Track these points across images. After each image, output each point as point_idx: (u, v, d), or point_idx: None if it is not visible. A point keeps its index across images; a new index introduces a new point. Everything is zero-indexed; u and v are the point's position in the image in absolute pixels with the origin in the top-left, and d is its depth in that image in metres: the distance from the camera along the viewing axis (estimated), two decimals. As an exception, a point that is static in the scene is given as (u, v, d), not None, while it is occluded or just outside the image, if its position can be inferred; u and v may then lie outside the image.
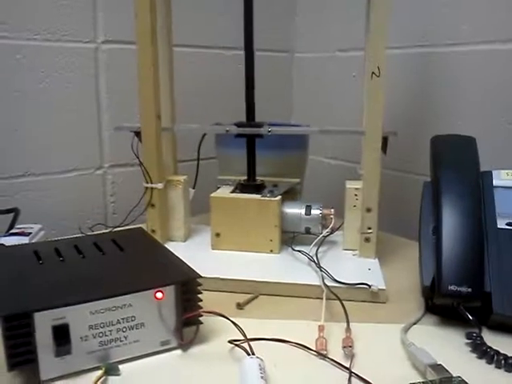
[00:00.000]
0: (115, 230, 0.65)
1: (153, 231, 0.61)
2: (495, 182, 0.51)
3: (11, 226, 0.64)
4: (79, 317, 0.37)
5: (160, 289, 0.39)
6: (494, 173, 0.52)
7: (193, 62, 0.83)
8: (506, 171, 0.52)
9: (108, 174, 0.78)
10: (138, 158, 0.60)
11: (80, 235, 0.55)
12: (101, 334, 0.38)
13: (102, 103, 0.76)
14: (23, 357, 0.35)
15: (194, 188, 0.70)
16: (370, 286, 0.50)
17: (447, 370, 0.36)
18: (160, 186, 0.60)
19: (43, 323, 0.35)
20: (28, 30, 0.68)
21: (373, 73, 0.53)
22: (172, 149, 0.66)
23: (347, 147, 0.86)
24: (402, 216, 0.76)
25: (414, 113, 0.76)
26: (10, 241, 0.58)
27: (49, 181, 0.73)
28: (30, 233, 0.63)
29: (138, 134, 0.61)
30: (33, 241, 0.62)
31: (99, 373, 0.37)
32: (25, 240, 0.61)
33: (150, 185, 0.60)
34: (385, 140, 0.56)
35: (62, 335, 0.36)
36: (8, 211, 0.60)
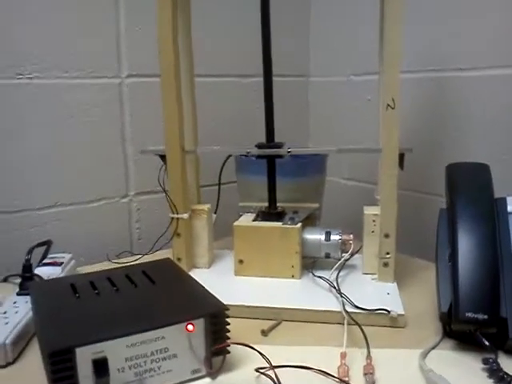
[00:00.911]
0: (143, 259, 0.69)
1: (178, 259, 0.64)
2: (510, 209, 0.52)
3: (44, 257, 0.67)
4: (117, 350, 0.39)
5: (191, 321, 0.42)
6: (509, 199, 0.53)
7: (212, 90, 0.86)
8: (520, 197, 0.53)
9: (133, 202, 0.81)
10: (164, 190, 0.63)
11: (112, 267, 0.58)
12: (136, 366, 0.40)
13: (126, 134, 0.79)
14: (66, 389, 0.38)
15: (215, 213, 0.73)
16: (389, 312, 0.52)
17: (465, 398, 0.38)
18: (185, 216, 0.63)
19: (84, 357, 0.38)
20: (58, 69, 0.72)
21: (388, 105, 0.56)
22: (196, 177, 0.69)
23: (363, 168, 0.88)
24: (419, 236, 0.78)
25: (429, 135, 0.78)
26: (44, 271, 0.61)
27: (77, 210, 0.76)
28: (62, 262, 0.66)
29: (162, 157, 0.64)
30: (65, 270, 0.65)
31: (135, 402, 0.39)
32: (58, 270, 0.64)
33: (175, 215, 0.63)
34: (401, 156, 0.58)
35: (101, 368, 0.39)
36: (43, 244, 0.64)
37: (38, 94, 0.71)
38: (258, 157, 0.65)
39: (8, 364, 0.46)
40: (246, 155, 0.75)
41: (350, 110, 0.91)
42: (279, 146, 0.64)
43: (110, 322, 0.41)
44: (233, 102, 0.89)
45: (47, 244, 0.66)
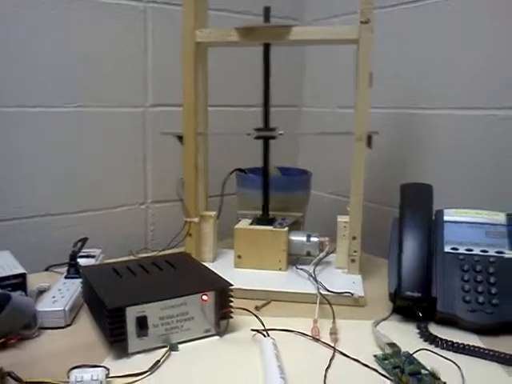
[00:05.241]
0: (160, 253, 0.84)
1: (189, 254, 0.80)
2: (445, 218, 0.69)
3: (79, 250, 0.83)
4: (153, 311, 0.55)
5: (205, 293, 0.58)
6: (445, 211, 0.70)
7: (219, 118, 1.02)
8: (454, 210, 0.70)
9: (149, 208, 0.98)
10: (181, 199, 0.79)
11: (139, 258, 0.74)
12: (166, 323, 0.56)
13: (147, 153, 0.96)
14: (118, 336, 0.53)
15: (218, 219, 0.89)
16: (352, 294, 0.68)
17: (398, 346, 0.54)
18: (196, 220, 0.79)
19: (131, 315, 0.54)
20: (97, 100, 0.88)
21: (357, 138, 0.72)
22: (204, 188, 0.85)
23: (342, 184, 1.05)
24: (382, 240, 0.94)
25: (391, 159, 0.95)
26: (82, 262, 0.77)
27: (105, 214, 0.92)
28: (95, 255, 0.82)
29: (180, 138, 0.78)
30: (97, 261, 0.81)
31: (165, 349, 0.55)
32: (92, 261, 0.80)
33: (188, 219, 0.79)
34: (369, 138, 0.73)
35: (142, 323, 0.54)
36: (82, 240, 0.79)
37: (81, 119, 0.87)
38: (256, 137, 0.79)
39: (67, 325, 0.61)
40: (244, 172, 0.92)
41: (332, 135, 1.07)
42: (273, 129, 0.79)
43: (147, 291, 0.57)
44: (236, 128, 1.06)
45: (83, 241, 0.81)
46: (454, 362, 0.50)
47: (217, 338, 0.59)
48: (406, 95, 0.92)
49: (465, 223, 0.68)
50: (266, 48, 0.79)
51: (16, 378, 0.47)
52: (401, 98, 0.93)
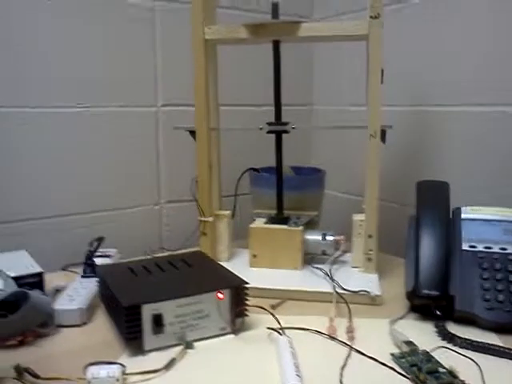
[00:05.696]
0: (175, 252, 0.85)
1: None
2: (463, 216, 0.68)
3: (95, 250, 0.83)
4: (169, 309, 0.55)
5: (221, 291, 0.57)
6: (463, 208, 0.69)
7: (231, 117, 1.03)
8: (471, 207, 0.69)
9: (164, 209, 0.98)
10: (195, 199, 0.79)
11: (157, 255, 0.74)
12: (182, 321, 0.56)
13: (160, 154, 0.96)
14: (135, 334, 0.54)
15: (232, 218, 0.89)
16: (369, 293, 0.67)
17: (415, 344, 0.53)
18: (211, 219, 0.79)
19: (147, 312, 0.54)
20: (108, 100, 0.89)
21: (371, 135, 0.72)
22: (218, 188, 0.85)
23: (355, 184, 1.04)
24: (399, 239, 0.93)
25: (406, 158, 0.94)
26: (98, 261, 0.77)
27: (120, 214, 0.93)
28: (110, 255, 0.82)
29: (192, 132, 0.78)
30: (113, 261, 0.81)
31: (181, 347, 0.55)
32: (108, 260, 0.80)
33: (203, 218, 0.79)
34: (383, 132, 0.72)
35: (158, 321, 0.54)
36: (98, 239, 0.80)
37: (93, 119, 0.88)
38: (269, 132, 0.78)
39: (84, 323, 0.61)
40: (258, 171, 0.92)
41: (346, 134, 1.07)
42: (285, 124, 0.79)
43: (163, 289, 0.57)
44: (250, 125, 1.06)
45: (100, 240, 0.82)
46: (474, 361, 0.50)
47: (232, 336, 0.59)
48: (420, 92, 0.91)
49: (482, 221, 0.67)
50: (276, 45, 0.79)
51: (33, 374, 0.47)
52: (415, 95, 0.92)
